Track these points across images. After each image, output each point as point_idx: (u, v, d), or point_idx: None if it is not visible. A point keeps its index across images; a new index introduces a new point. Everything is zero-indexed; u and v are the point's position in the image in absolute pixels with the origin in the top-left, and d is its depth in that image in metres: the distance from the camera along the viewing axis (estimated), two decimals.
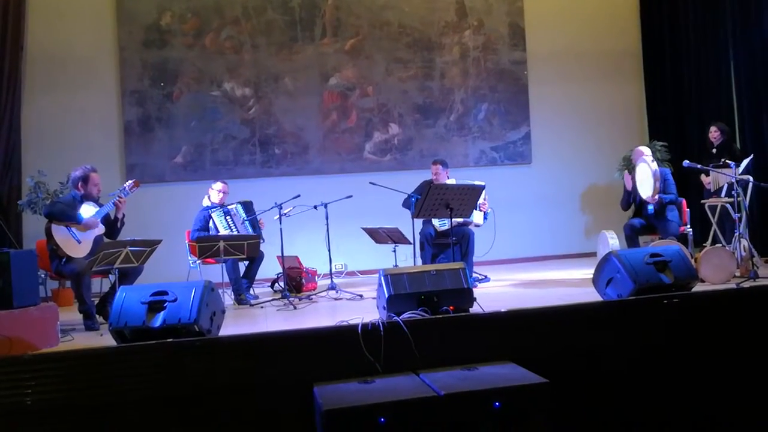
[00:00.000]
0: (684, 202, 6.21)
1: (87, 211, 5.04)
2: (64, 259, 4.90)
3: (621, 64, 8.48)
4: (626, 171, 6.20)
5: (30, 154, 7.04)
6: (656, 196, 5.77)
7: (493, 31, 8.16)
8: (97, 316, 4.87)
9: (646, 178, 5.84)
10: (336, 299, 5.78)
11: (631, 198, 6.07)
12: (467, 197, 5.45)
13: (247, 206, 6.21)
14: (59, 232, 4.87)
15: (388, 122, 7.94)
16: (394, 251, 6.28)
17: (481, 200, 6.11)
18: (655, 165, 5.89)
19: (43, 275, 5.82)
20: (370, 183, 6.21)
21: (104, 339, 4.22)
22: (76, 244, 4.91)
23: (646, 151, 6.16)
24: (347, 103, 7.86)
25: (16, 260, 4.11)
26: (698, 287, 3.89)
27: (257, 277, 6.19)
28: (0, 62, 6.77)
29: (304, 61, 7.74)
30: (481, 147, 8.13)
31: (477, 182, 5.91)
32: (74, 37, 7.27)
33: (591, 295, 4.06)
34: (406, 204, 6.22)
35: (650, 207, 5.87)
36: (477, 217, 6.10)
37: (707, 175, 6.65)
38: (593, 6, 8.42)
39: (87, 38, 7.31)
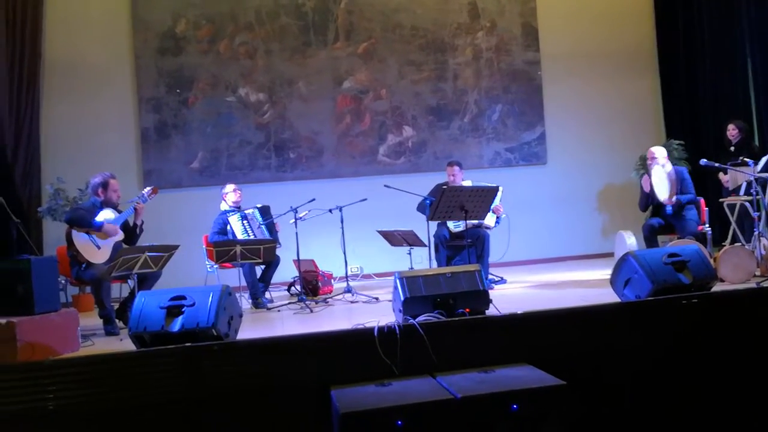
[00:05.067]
0: (702, 201, 6.14)
1: (106, 217, 5.10)
2: (84, 265, 4.96)
3: (636, 61, 8.41)
4: (645, 174, 6.13)
5: (49, 162, 7.15)
6: (673, 198, 5.73)
7: (505, 31, 8.13)
8: (117, 321, 4.93)
9: (660, 181, 5.80)
10: (352, 302, 5.79)
11: (649, 200, 6.01)
12: (482, 199, 5.44)
13: (264, 211, 6.25)
14: (79, 239, 4.93)
15: (402, 125, 7.94)
16: (410, 254, 6.27)
17: (497, 203, 6.09)
18: (669, 166, 5.85)
19: (63, 281, 5.90)
20: (385, 186, 6.21)
21: (124, 344, 4.26)
22: (96, 250, 4.97)
23: (658, 152, 6.09)
24: (361, 107, 7.88)
25: (37, 267, 4.17)
26: (717, 287, 3.85)
27: (274, 281, 6.23)
28: (19, 71, 6.89)
29: (317, 65, 7.78)
30: (495, 148, 8.10)
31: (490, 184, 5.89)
32: (91, 45, 7.37)
33: (609, 296, 4.03)
34: (421, 208, 6.21)
35: (668, 208, 5.83)
36: (489, 219, 6.08)
37: (725, 173, 6.58)
38: (607, 4, 8.36)
39: (103, 46, 7.41)
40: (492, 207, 5.97)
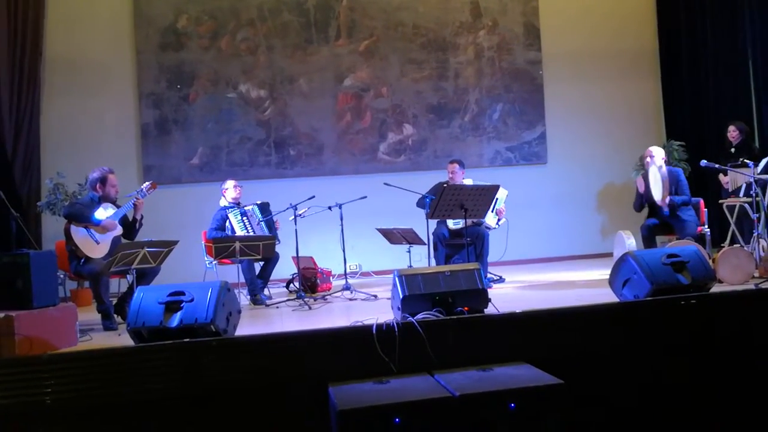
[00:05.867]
0: (702, 201, 6.14)
1: (105, 212, 5.09)
2: (82, 260, 4.96)
3: (637, 62, 8.41)
4: (640, 175, 6.14)
5: (49, 156, 7.14)
6: (666, 200, 5.74)
7: (507, 30, 8.13)
8: (115, 316, 4.92)
9: (655, 182, 5.82)
10: (350, 300, 5.79)
11: (644, 200, 6.01)
12: (482, 197, 5.44)
13: (264, 207, 6.25)
14: (78, 233, 4.93)
15: (403, 123, 7.94)
16: (409, 252, 6.27)
17: (501, 205, 6.11)
18: (664, 168, 5.85)
19: (62, 276, 5.88)
20: (385, 184, 6.21)
21: (122, 339, 4.26)
22: (95, 245, 4.97)
23: (656, 152, 6.09)
24: (361, 104, 7.87)
25: (36, 261, 4.16)
26: (716, 288, 3.86)
27: (272, 278, 6.22)
28: (20, 67, 6.88)
29: (318, 62, 7.77)
30: (496, 147, 8.10)
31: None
32: (92, 41, 7.37)
33: (607, 296, 4.03)
34: (421, 204, 6.22)
35: (664, 209, 5.83)
36: (490, 219, 6.08)
37: (725, 174, 6.58)
38: (609, 4, 8.35)
39: (104, 42, 7.40)
40: (497, 208, 6.00)
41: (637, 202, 6.12)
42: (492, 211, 5.96)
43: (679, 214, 5.81)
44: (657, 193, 5.78)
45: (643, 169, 7.38)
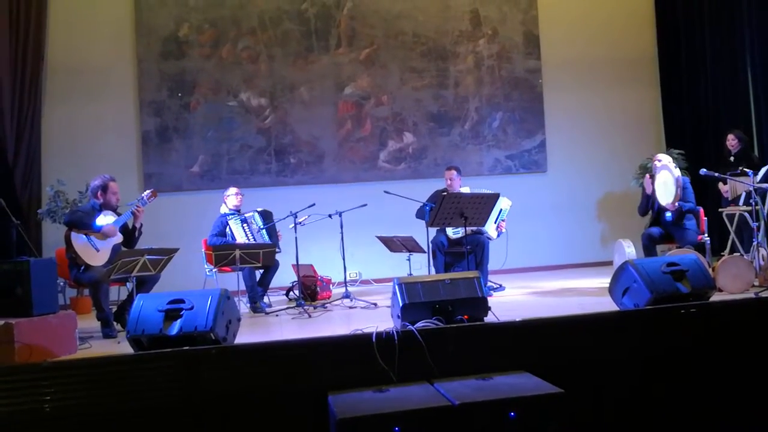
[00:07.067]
0: (702, 210, 6.14)
1: (105, 220, 5.10)
2: (82, 267, 4.95)
3: (637, 71, 8.44)
4: (647, 175, 6.10)
5: (49, 164, 7.16)
6: (676, 203, 5.70)
7: (507, 39, 8.16)
8: (115, 323, 4.92)
9: (666, 184, 5.76)
10: (350, 308, 5.78)
11: (649, 204, 5.99)
12: (482, 205, 5.45)
13: (265, 215, 6.26)
14: (78, 241, 4.93)
15: (403, 131, 7.96)
16: (409, 260, 6.28)
17: (503, 218, 6.13)
18: (678, 172, 5.82)
19: (62, 283, 5.88)
20: (385, 192, 6.23)
21: (122, 346, 4.25)
22: (95, 253, 4.97)
23: (665, 158, 6.09)
24: (362, 113, 7.89)
25: (36, 269, 4.17)
26: (716, 297, 3.86)
27: (272, 286, 6.23)
28: (21, 73, 6.91)
29: (319, 70, 7.80)
30: (495, 155, 8.12)
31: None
32: (93, 48, 7.40)
33: (607, 305, 4.03)
34: (420, 214, 6.22)
35: (668, 214, 5.81)
36: (491, 230, 6.09)
37: (725, 183, 6.59)
38: (608, 13, 8.40)
39: (106, 50, 7.43)
40: (498, 221, 6.03)
41: (642, 206, 6.06)
42: (495, 222, 5.98)
43: (680, 222, 5.80)
44: (667, 196, 5.74)
45: (642, 177, 7.40)
